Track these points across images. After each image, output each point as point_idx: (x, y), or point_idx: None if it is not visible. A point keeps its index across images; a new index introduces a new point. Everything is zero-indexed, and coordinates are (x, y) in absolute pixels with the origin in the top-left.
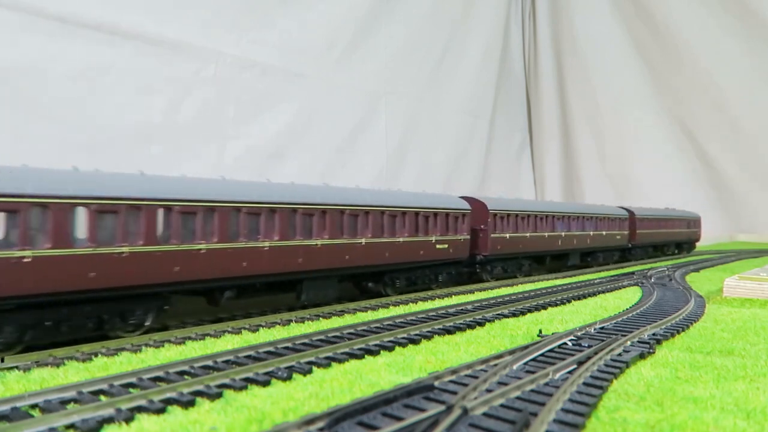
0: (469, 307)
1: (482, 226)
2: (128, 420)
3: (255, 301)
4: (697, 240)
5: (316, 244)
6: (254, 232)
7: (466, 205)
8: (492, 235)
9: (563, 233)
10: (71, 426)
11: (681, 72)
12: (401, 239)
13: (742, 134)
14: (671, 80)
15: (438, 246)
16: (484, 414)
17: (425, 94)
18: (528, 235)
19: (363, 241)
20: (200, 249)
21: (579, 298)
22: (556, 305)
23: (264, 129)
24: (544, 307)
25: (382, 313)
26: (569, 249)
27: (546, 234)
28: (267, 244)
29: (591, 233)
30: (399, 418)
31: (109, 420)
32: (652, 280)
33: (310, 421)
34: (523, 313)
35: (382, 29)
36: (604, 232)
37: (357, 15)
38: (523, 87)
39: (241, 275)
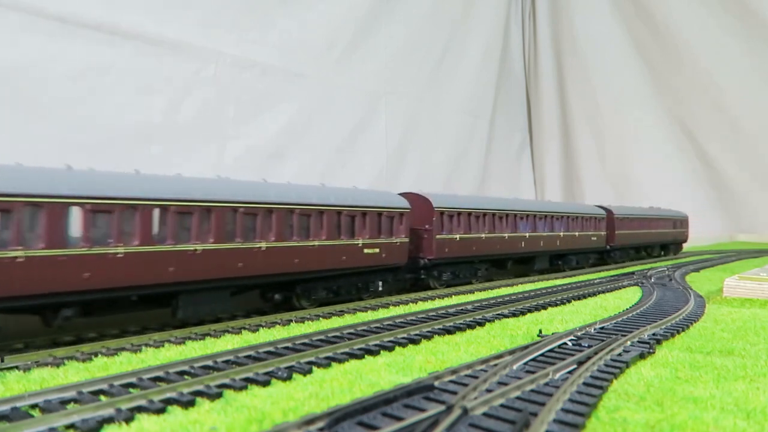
0: (469, 307)
1: (426, 227)
2: (128, 420)
3: (110, 320)
4: (685, 241)
5: (194, 250)
6: (105, 237)
7: (403, 203)
8: (438, 236)
9: (527, 234)
10: (71, 426)
11: (681, 72)
12: (316, 243)
13: (742, 134)
14: (671, 80)
15: (366, 250)
16: (484, 414)
17: (425, 94)
18: (483, 236)
19: (263, 245)
20: (17, 257)
21: (579, 298)
22: (556, 305)
23: (264, 129)
24: (544, 307)
25: (382, 313)
26: (535, 252)
27: (506, 235)
28: (122, 250)
29: (561, 234)
30: (399, 418)
31: (109, 420)
32: (652, 280)
33: (310, 421)
34: (523, 313)
35: (382, 29)
36: (576, 233)
37: (357, 15)
38: (523, 87)
39: (82, 289)
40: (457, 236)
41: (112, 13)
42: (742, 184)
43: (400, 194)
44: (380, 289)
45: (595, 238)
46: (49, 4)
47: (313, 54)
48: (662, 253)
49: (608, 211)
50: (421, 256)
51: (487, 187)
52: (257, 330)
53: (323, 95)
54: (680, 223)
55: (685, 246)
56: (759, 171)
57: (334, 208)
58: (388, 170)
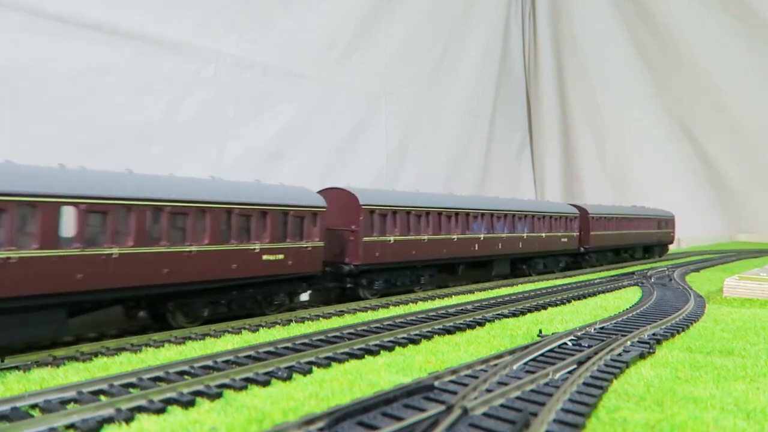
0: (469, 307)
1: (352, 227)
2: (128, 420)
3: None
4: (670, 242)
5: (7, 258)
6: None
7: (318, 201)
8: (366, 238)
9: (482, 236)
10: (71, 426)
11: (681, 72)
12: (194, 249)
13: (742, 134)
14: (671, 80)
15: (266, 257)
16: (484, 414)
17: (425, 94)
18: (426, 238)
19: (115, 252)
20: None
21: (579, 298)
22: (556, 305)
23: (264, 129)
24: (544, 307)
25: (382, 313)
26: (493, 255)
27: (455, 237)
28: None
29: (525, 235)
30: (399, 418)
31: (109, 420)
32: (652, 280)
33: (310, 421)
34: (523, 313)
35: (382, 29)
36: (543, 234)
37: (357, 15)
38: (523, 87)
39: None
40: (392, 238)
41: (112, 13)
42: (742, 184)
43: (321, 190)
44: (305, 299)
45: (566, 240)
46: (49, 4)
47: (313, 54)
48: (646, 255)
49: (582, 209)
50: (345, 261)
51: (487, 187)
52: (257, 330)
53: (323, 95)
54: (665, 223)
55: (686, 246)
56: (759, 171)
57: (223, 206)
58: (388, 170)
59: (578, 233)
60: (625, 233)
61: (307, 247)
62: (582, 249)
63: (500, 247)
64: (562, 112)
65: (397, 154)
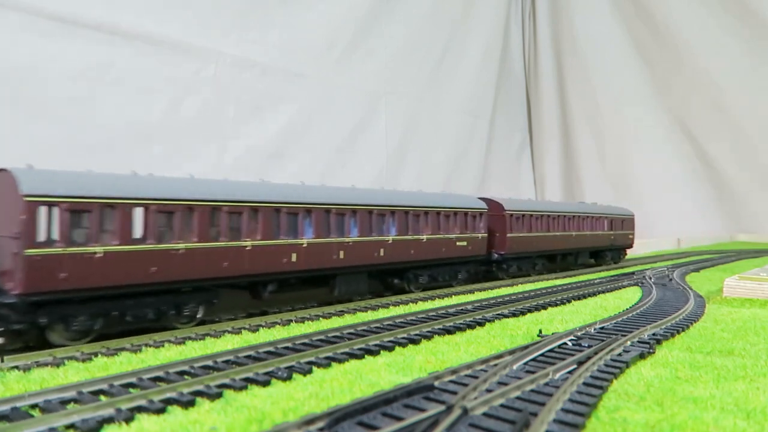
0: (469, 307)
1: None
2: (128, 420)
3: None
4: (629, 246)
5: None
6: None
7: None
8: (508, 235)
9: (306, 242)
10: (71, 426)
11: (681, 72)
12: (424, 238)
13: (742, 134)
14: (671, 80)
15: (458, 243)
16: (484, 414)
17: (425, 94)
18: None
19: (424, 238)
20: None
21: (579, 298)
22: (556, 305)
23: (264, 129)
24: (544, 307)
25: (382, 313)
26: (334, 268)
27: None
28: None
29: (390, 239)
30: (399, 418)
31: (109, 420)
32: (652, 280)
33: (310, 421)
34: (523, 313)
35: (382, 29)
36: (425, 237)
37: (357, 15)
38: (523, 87)
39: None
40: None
41: (112, 13)
42: (742, 184)
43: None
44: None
45: (464, 244)
46: (48, 4)
47: (313, 54)
48: (593, 261)
49: (495, 204)
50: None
51: (487, 187)
52: (257, 330)
53: (323, 95)
54: (621, 223)
55: (686, 246)
56: (759, 171)
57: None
58: (388, 170)
59: (484, 234)
60: (561, 235)
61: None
62: (496, 255)
63: (342, 256)
64: (562, 112)
65: (397, 154)
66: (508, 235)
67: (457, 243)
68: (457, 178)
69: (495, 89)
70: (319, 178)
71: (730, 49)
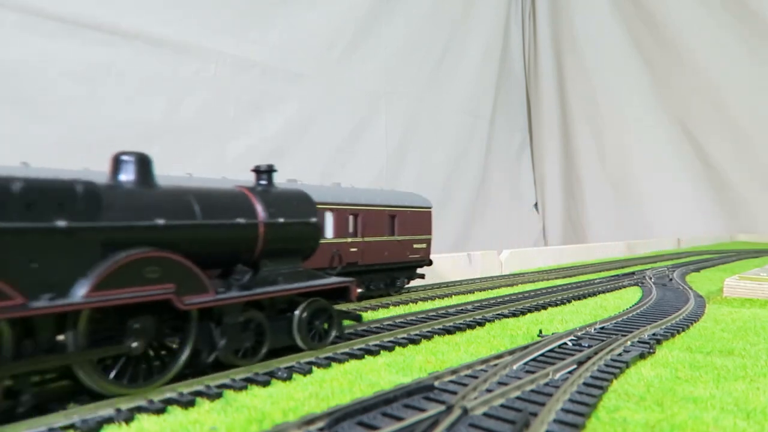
0: (469, 307)
1: None
2: (128, 420)
3: None
4: (424, 261)
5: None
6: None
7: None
8: None
9: None
10: (71, 426)
11: (681, 72)
12: None
13: (742, 134)
14: (671, 80)
15: None
16: (484, 414)
17: (425, 94)
18: None
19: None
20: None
21: (579, 298)
22: (556, 305)
23: (264, 129)
24: (544, 307)
25: (382, 313)
26: None
27: None
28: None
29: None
30: (399, 418)
31: (109, 420)
32: (652, 280)
33: (310, 421)
34: (523, 313)
35: (382, 29)
36: None
37: (357, 15)
38: (523, 87)
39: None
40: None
41: (112, 13)
42: (742, 184)
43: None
44: None
45: None
46: (49, 4)
47: (313, 54)
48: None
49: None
50: None
51: (487, 188)
52: None
53: (323, 95)
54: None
55: (686, 246)
56: (759, 171)
57: None
58: (388, 170)
59: None
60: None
61: None
62: None
63: None
64: (562, 112)
65: (397, 154)
66: None
67: None
68: (457, 178)
69: (495, 89)
70: (319, 178)
71: (730, 49)
